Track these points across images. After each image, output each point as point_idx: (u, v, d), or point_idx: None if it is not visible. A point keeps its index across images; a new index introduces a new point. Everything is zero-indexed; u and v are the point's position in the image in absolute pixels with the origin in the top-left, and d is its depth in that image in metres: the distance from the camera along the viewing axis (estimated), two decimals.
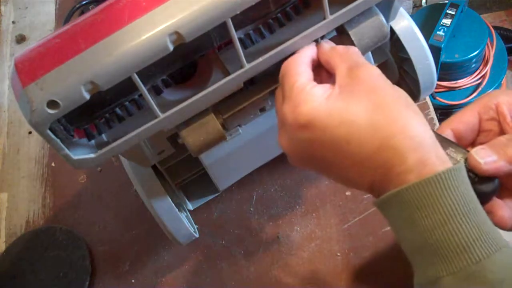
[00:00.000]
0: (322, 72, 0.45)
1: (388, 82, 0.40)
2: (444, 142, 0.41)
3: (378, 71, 0.40)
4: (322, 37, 0.51)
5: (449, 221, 0.34)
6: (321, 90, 0.40)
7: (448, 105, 1.32)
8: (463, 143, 0.47)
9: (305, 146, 0.40)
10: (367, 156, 0.37)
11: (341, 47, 0.44)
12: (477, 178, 0.40)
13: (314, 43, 0.46)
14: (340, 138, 0.38)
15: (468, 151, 0.41)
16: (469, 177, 0.37)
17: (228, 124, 0.49)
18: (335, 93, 0.39)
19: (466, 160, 0.40)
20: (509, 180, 0.42)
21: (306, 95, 0.40)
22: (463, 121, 0.46)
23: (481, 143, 0.42)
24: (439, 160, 0.36)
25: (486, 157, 0.40)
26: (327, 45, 0.45)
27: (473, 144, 0.47)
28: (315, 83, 0.41)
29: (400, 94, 0.39)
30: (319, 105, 0.39)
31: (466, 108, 0.47)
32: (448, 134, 0.46)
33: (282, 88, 0.43)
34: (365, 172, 0.38)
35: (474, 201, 0.35)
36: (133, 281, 0.69)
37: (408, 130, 0.36)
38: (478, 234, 0.34)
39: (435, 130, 0.44)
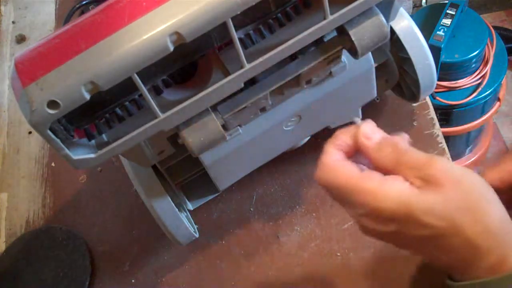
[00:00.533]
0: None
1: (462, 170, 0.38)
2: None
3: (449, 165, 0.38)
4: (322, 38, 0.51)
5: None
6: (398, 187, 0.38)
7: (448, 105, 1.32)
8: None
9: (387, 235, 0.40)
10: (447, 250, 0.38)
11: (389, 149, 0.40)
12: None
13: (340, 138, 0.42)
14: (424, 237, 0.38)
15: None
16: None
17: (228, 124, 0.49)
18: (414, 193, 0.37)
19: None
20: None
21: (383, 191, 0.38)
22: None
23: None
24: None
25: None
26: (373, 144, 0.41)
27: None
28: (382, 176, 0.39)
29: (478, 185, 0.38)
30: (398, 202, 0.37)
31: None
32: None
33: (337, 199, 0.41)
34: (442, 259, 0.39)
35: None
36: (133, 281, 0.69)
37: (489, 229, 0.37)
38: None
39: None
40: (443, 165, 0.38)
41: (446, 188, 0.37)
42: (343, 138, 0.42)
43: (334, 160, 0.41)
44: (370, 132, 0.41)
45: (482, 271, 0.37)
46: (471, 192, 0.37)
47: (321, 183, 0.41)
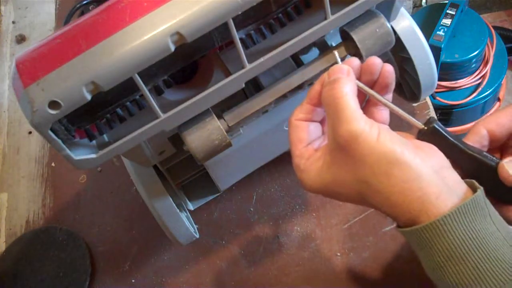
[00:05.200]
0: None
1: (369, 138, 0.38)
2: (476, 152, 0.43)
3: (353, 127, 0.39)
4: (326, 42, 0.51)
5: (447, 264, 0.36)
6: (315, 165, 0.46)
7: (448, 105, 1.32)
8: (495, 145, 0.47)
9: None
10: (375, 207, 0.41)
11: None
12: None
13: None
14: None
15: (499, 161, 0.42)
16: (500, 184, 0.40)
17: (232, 130, 0.49)
18: (326, 162, 0.44)
19: (496, 168, 0.42)
20: None
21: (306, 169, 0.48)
22: (499, 123, 0.46)
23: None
24: (439, 203, 0.37)
25: None
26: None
27: (504, 146, 0.47)
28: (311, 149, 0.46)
29: (377, 147, 0.38)
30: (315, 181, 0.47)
31: (504, 110, 0.47)
32: (483, 134, 0.46)
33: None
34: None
35: (478, 237, 0.36)
36: (133, 281, 0.69)
37: (403, 175, 0.38)
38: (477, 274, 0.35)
39: (471, 131, 0.46)
40: (348, 129, 0.38)
41: (348, 155, 0.39)
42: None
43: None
44: (337, 71, 0.42)
45: (408, 223, 0.38)
46: (369, 155, 0.38)
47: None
